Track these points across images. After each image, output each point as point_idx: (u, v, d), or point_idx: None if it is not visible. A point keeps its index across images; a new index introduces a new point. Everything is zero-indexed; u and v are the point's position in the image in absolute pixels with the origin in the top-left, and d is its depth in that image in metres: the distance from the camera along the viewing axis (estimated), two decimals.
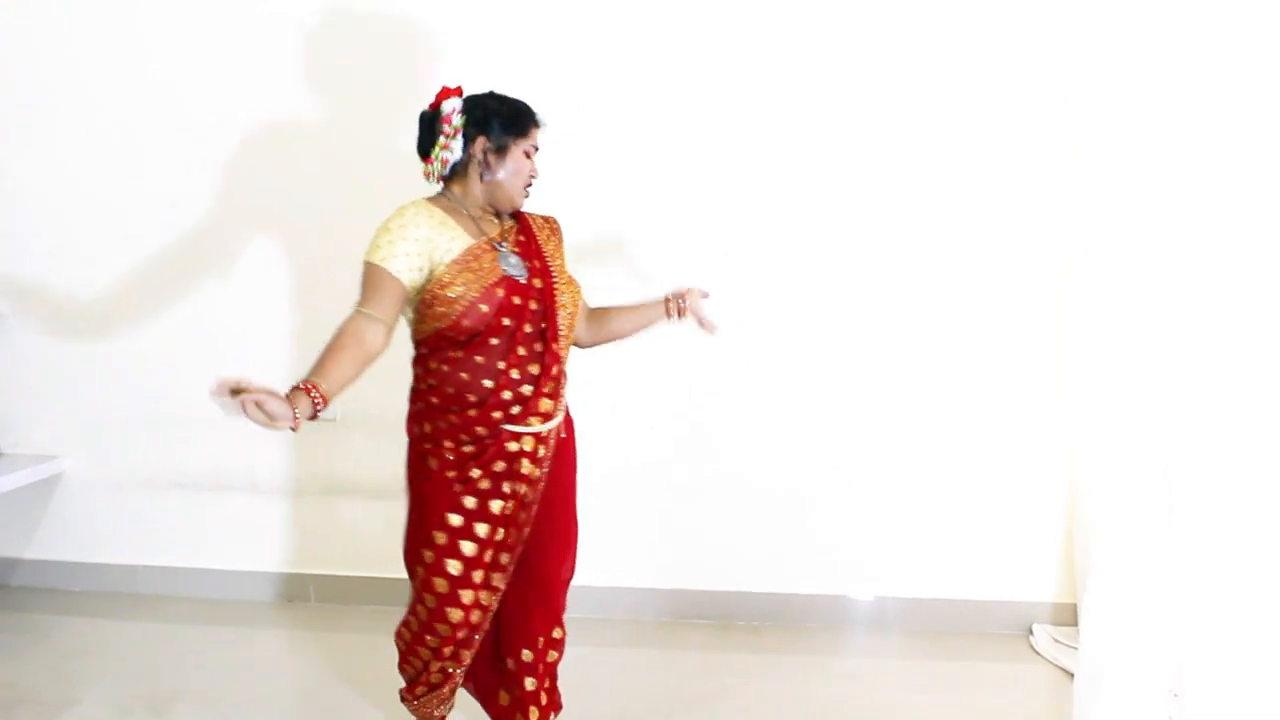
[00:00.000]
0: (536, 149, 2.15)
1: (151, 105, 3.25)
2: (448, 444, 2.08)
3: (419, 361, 2.14)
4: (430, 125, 2.11)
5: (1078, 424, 3.00)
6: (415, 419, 2.16)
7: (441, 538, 2.08)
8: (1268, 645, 2.19)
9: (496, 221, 2.15)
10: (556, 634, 2.26)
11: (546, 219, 2.25)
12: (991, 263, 3.04)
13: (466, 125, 2.08)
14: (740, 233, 3.09)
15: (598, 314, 2.34)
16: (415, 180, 3.20)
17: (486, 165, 2.09)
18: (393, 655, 3.02)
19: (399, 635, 2.26)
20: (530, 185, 2.15)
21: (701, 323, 2.32)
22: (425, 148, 2.12)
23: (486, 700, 2.37)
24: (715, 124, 3.05)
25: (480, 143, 2.09)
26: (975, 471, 3.11)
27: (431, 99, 2.14)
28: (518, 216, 2.19)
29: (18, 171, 3.35)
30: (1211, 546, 2.28)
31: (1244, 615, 2.22)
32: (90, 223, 3.34)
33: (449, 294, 1.99)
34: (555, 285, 2.09)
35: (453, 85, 2.12)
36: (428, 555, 2.10)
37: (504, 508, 2.09)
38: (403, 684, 2.33)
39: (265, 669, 2.96)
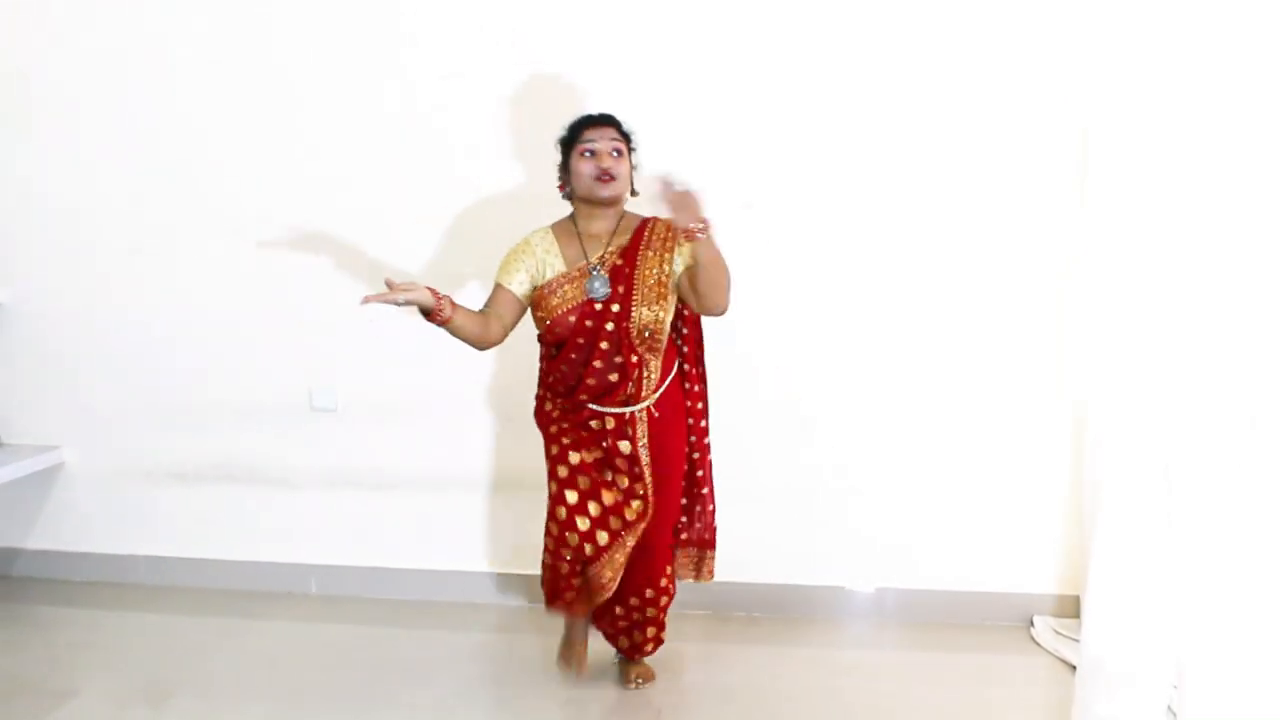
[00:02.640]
0: (598, 148, 2.38)
1: (153, 101, 3.24)
2: (553, 409, 2.57)
3: (541, 356, 2.62)
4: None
5: (1079, 416, 2.99)
6: (540, 385, 2.64)
7: (558, 480, 2.55)
8: (1268, 638, 2.18)
9: (604, 240, 2.46)
10: (649, 593, 2.67)
11: (669, 225, 2.41)
12: (992, 256, 3.02)
13: (560, 143, 2.49)
14: (740, 230, 3.07)
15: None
16: (414, 180, 3.20)
17: (567, 171, 2.47)
18: (394, 647, 3.05)
19: (543, 562, 2.65)
20: (602, 178, 2.38)
21: (671, 197, 2.20)
22: None
23: (610, 637, 2.81)
24: (716, 123, 3.04)
25: (562, 163, 2.49)
26: (976, 462, 3.09)
27: None
28: (639, 226, 2.48)
29: (19, 163, 3.35)
30: (1213, 540, 2.27)
31: (1245, 608, 2.21)
32: (91, 214, 3.34)
33: (547, 304, 2.44)
34: (632, 303, 2.41)
35: None
36: (551, 487, 2.57)
37: (603, 466, 2.53)
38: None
39: (265, 660, 2.96)
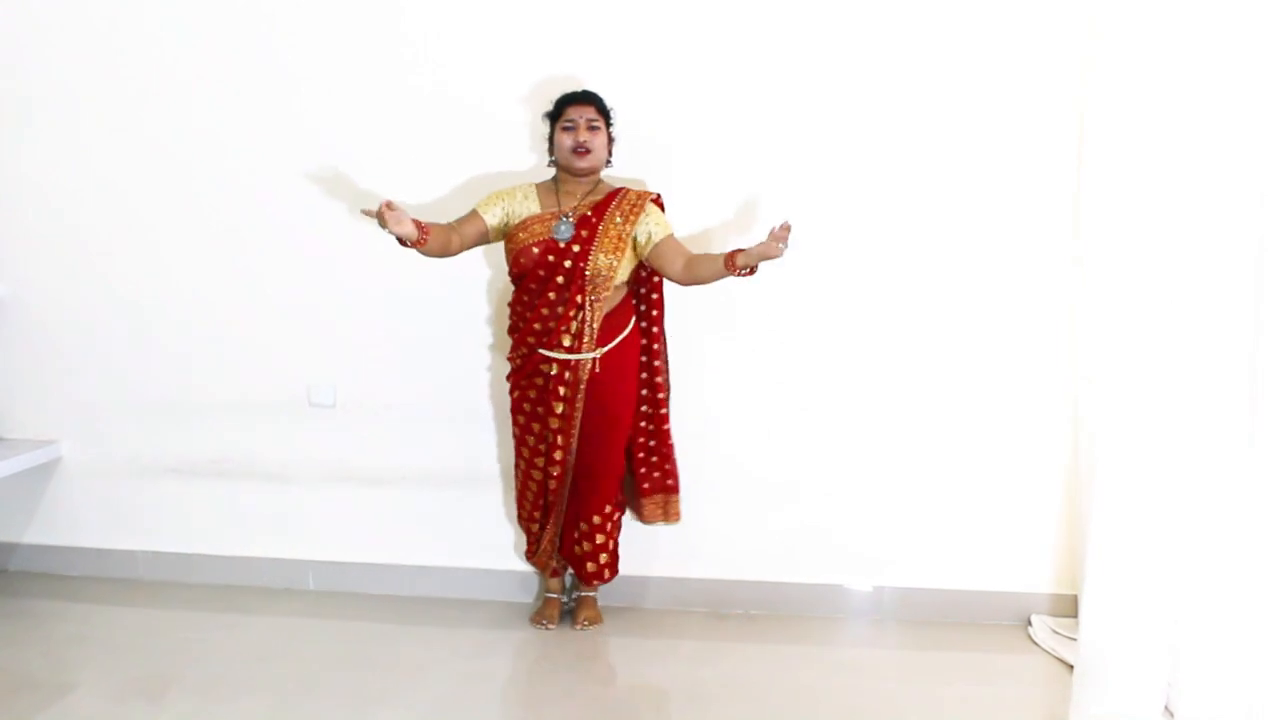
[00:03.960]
0: (576, 123, 2.73)
1: (152, 96, 3.24)
2: (510, 357, 2.91)
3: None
4: None
5: (1076, 415, 2.99)
6: (509, 352, 2.94)
7: (514, 431, 2.99)
8: (1264, 637, 2.18)
9: (576, 196, 2.80)
10: (595, 519, 2.99)
11: (640, 196, 2.80)
12: (992, 256, 3.02)
13: (546, 116, 2.86)
14: (741, 225, 3.07)
15: (690, 260, 2.76)
16: (415, 177, 3.20)
17: (551, 151, 2.83)
18: (392, 643, 3.05)
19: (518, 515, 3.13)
20: (578, 151, 2.73)
21: (768, 254, 2.55)
22: None
23: (570, 563, 3.13)
24: (717, 120, 3.04)
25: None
26: (974, 461, 3.10)
27: None
28: (611, 192, 2.81)
29: (18, 158, 3.34)
30: (1209, 539, 2.28)
31: (1241, 607, 2.22)
32: (89, 209, 3.33)
33: (513, 242, 2.79)
34: (591, 250, 2.72)
35: None
36: (515, 437, 2.99)
37: (543, 413, 2.86)
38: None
39: (262, 655, 2.96)
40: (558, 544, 3.06)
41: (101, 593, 3.40)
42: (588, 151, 2.73)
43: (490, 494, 3.30)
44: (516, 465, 3.02)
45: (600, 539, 3.00)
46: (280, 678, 2.82)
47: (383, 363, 3.28)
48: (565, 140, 2.74)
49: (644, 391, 3.01)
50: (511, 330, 2.87)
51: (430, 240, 2.64)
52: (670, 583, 3.23)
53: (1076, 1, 2.85)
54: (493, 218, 2.80)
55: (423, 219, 2.66)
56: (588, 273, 2.72)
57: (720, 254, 2.65)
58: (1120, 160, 2.51)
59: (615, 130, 2.84)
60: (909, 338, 3.08)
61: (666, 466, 3.08)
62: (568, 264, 2.72)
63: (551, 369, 2.79)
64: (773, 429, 3.15)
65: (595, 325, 2.76)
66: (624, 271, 2.80)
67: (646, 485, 3.09)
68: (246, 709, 2.64)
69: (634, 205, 2.78)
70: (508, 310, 2.91)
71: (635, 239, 2.78)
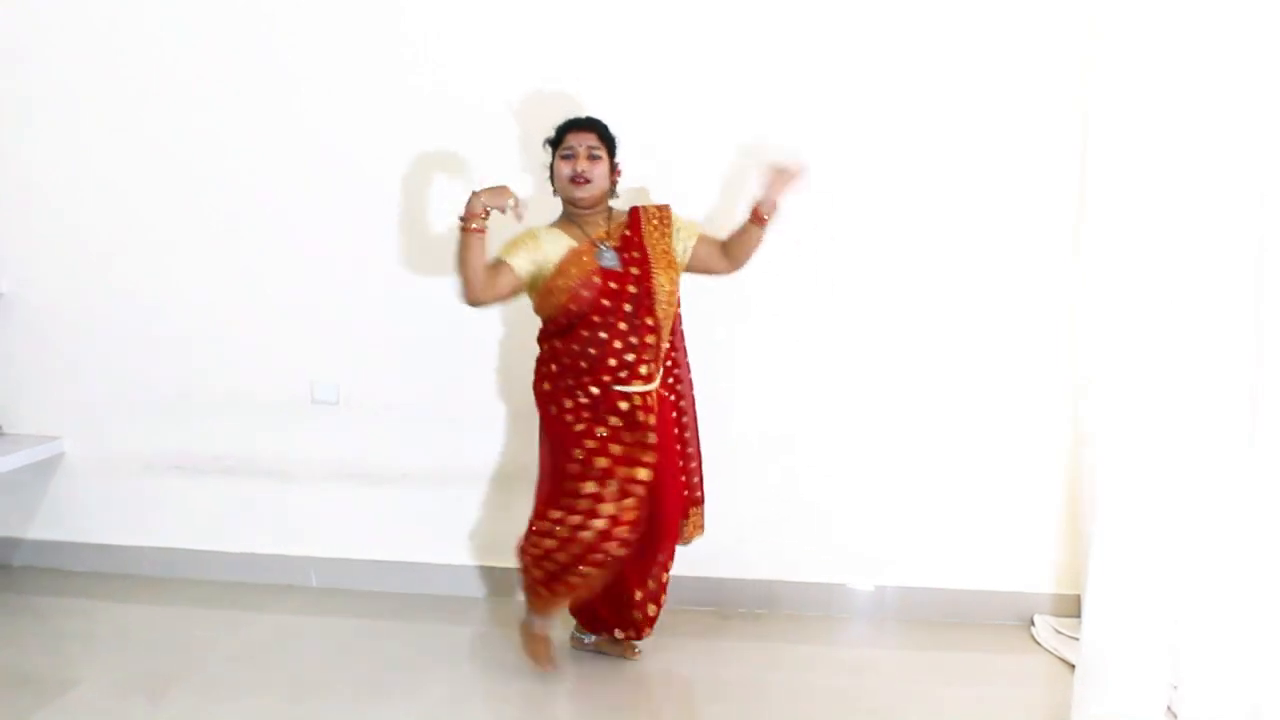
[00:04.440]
0: (575, 151, 2.53)
1: (154, 93, 3.24)
2: (566, 396, 2.58)
3: (542, 339, 2.65)
4: None
5: (1079, 414, 2.98)
6: (541, 379, 2.64)
7: (576, 464, 2.58)
8: (1267, 638, 2.18)
9: (603, 223, 2.61)
10: (666, 568, 2.86)
11: (659, 208, 2.66)
12: (993, 257, 3.01)
13: (547, 143, 2.64)
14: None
15: (726, 246, 2.68)
16: (409, 179, 3.20)
17: (550, 178, 2.63)
18: (394, 639, 3.04)
19: (534, 555, 2.67)
20: (576, 180, 2.53)
21: (781, 182, 2.56)
22: None
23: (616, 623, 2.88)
24: (718, 118, 3.03)
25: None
26: (976, 461, 3.09)
27: None
28: (631, 212, 2.63)
29: (23, 155, 3.34)
30: (1212, 539, 2.27)
31: (1244, 608, 2.21)
32: (92, 205, 3.34)
33: (559, 283, 2.51)
34: (652, 270, 2.56)
35: None
36: (571, 471, 2.58)
37: (619, 453, 2.55)
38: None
39: (265, 652, 2.96)
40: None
41: (104, 589, 3.40)
42: (586, 181, 2.53)
43: (491, 491, 3.30)
44: (564, 518, 2.56)
45: (664, 579, 2.85)
46: (282, 674, 2.82)
47: (385, 361, 3.28)
48: (564, 169, 2.55)
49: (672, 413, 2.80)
50: (572, 374, 2.56)
51: (480, 244, 2.44)
52: (673, 582, 3.21)
53: (1076, 1, 2.85)
54: (521, 265, 2.52)
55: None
56: (655, 292, 2.55)
57: (741, 224, 2.63)
58: (1121, 160, 2.50)
59: (620, 161, 2.65)
60: (910, 338, 3.08)
61: (696, 479, 2.90)
62: (633, 289, 2.54)
63: (634, 403, 2.55)
64: (775, 428, 3.14)
65: (664, 350, 2.62)
66: (678, 288, 2.66)
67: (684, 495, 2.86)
68: (248, 705, 2.64)
69: (661, 218, 2.64)
70: (547, 357, 2.62)
71: (675, 253, 2.64)
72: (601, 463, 2.53)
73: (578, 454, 2.55)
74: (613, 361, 2.52)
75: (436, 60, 3.10)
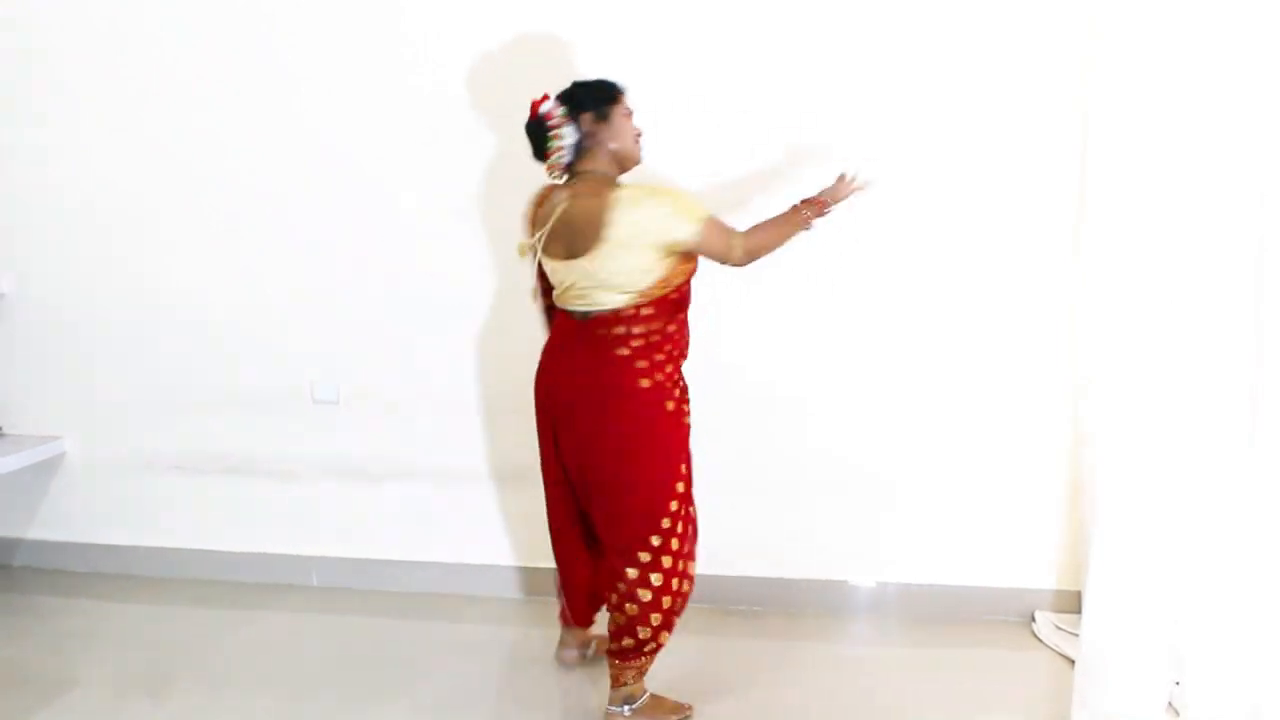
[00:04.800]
0: (630, 112, 2.44)
1: (156, 90, 3.24)
2: (669, 389, 2.42)
3: (641, 320, 2.36)
4: (536, 130, 2.41)
5: (1079, 410, 2.98)
6: (640, 375, 2.37)
7: (681, 486, 2.45)
8: (1269, 633, 2.18)
9: None
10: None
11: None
12: (995, 254, 3.01)
13: (569, 113, 2.38)
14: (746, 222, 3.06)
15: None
16: (416, 172, 3.19)
17: (597, 137, 2.39)
18: (395, 638, 3.04)
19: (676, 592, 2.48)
20: (639, 139, 2.45)
21: (844, 195, 2.46)
22: (540, 151, 2.42)
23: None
24: (719, 116, 3.03)
25: (587, 119, 2.38)
26: (977, 457, 3.09)
27: (526, 112, 2.43)
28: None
29: (23, 154, 3.34)
30: (1213, 534, 2.27)
31: (1245, 603, 2.21)
32: (93, 204, 3.34)
33: (689, 264, 2.40)
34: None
35: (536, 96, 2.43)
36: (680, 488, 2.44)
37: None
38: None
39: (266, 651, 2.96)
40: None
41: (105, 588, 3.40)
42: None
43: (493, 490, 3.30)
44: (684, 508, 2.47)
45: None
46: (283, 673, 2.82)
47: (386, 359, 3.28)
48: (633, 128, 2.44)
49: None
50: (677, 358, 2.46)
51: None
52: None
53: (1077, 1, 2.84)
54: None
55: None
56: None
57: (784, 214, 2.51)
58: (1120, 160, 2.50)
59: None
60: (911, 334, 3.07)
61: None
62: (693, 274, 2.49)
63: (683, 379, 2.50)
64: (775, 425, 3.14)
65: None
66: None
67: None
68: (250, 704, 2.64)
69: None
70: (646, 349, 2.39)
71: None
72: (686, 456, 2.49)
73: (683, 469, 2.45)
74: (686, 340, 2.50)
75: (436, 60, 3.10)
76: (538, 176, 2.55)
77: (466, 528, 3.33)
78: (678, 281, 2.36)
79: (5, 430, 3.50)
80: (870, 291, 3.07)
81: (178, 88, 3.22)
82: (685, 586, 2.48)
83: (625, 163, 2.43)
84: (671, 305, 2.38)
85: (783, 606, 3.20)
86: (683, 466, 2.45)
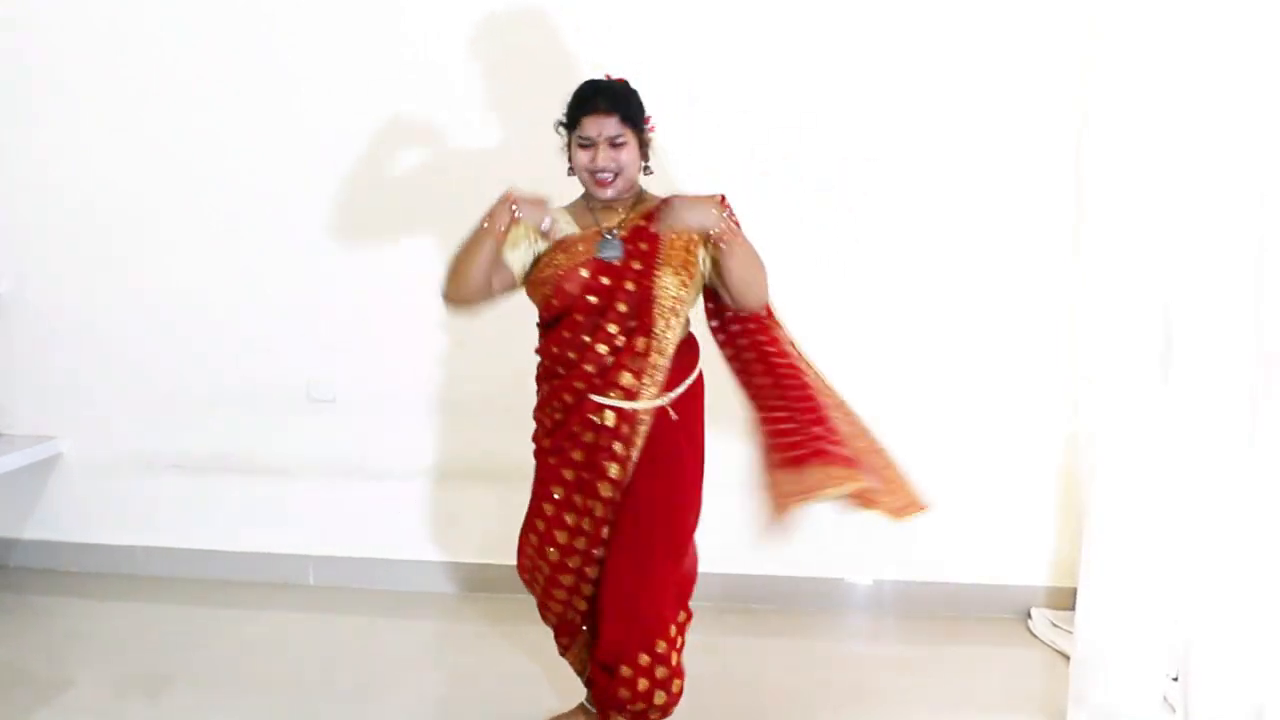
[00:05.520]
0: (594, 141, 2.10)
1: (153, 91, 3.23)
2: (545, 411, 2.27)
3: (539, 337, 2.29)
4: None
5: (1076, 409, 2.99)
6: (536, 387, 2.32)
7: (550, 509, 2.29)
8: (1266, 628, 2.18)
9: (622, 210, 2.20)
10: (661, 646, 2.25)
11: (708, 199, 2.17)
12: (991, 253, 3.02)
13: (559, 124, 2.21)
14: (743, 222, 3.07)
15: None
16: (409, 178, 3.19)
17: (568, 160, 2.20)
18: (392, 637, 3.05)
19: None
20: (598, 177, 2.12)
21: (675, 202, 2.13)
22: None
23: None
24: (715, 118, 3.04)
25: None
26: (972, 455, 3.09)
27: None
28: (663, 200, 2.18)
29: (21, 154, 3.34)
30: (1208, 530, 2.27)
31: (1241, 598, 2.22)
32: (90, 205, 3.33)
33: (543, 274, 2.16)
34: (656, 269, 2.12)
35: None
36: (539, 525, 2.32)
37: (588, 479, 2.21)
38: None
39: (263, 651, 2.96)
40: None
41: (101, 588, 3.40)
42: (611, 177, 2.12)
43: (490, 489, 3.29)
44: (541, 555, 2.34)
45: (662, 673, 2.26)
46: (280, 673, 2.82)
47: (382, 358, 3.28)
48: (583, 158, 2.13)
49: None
50: (548, 377, 2.24)
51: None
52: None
53: (1077, 1, 2.85)
54: (517, 260, 2.20)
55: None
56: (655, 294, 2.11)
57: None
58: (1120, 160, 2.50)
59: (651, 120, 2.22)
60: (907, 333, 3.08)
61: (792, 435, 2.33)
62: (630, 285, 2.12)
63: (606, 419, 2.15)
64: None
65: (662, 367, 2.16)
66: (692, 304, 2.23)
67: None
68: (246, 704, 2.64)
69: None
70: (539, 354, 2.29)
71: (696, 257, 2.17)
72: (558, 495, 2.28)
73: (554, 491, 2.28)
74: (590, 367, 2.13)
75: (436, 60, 3.10)
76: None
77: (463, 526, 3.33)
78: (546, 290, 2.16)
79: (1, 430, 3.50)
80: (868, 290, 3.08)
81: (175, 88, 3.22)
82: (559, 596, 2.36)
83: (591, 193, 2.19)
84: (544, 322, 2.24)
85: (780, 604, 3.20)
86: (543, 508, 2.31)
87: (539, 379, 2.30)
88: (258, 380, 3.34)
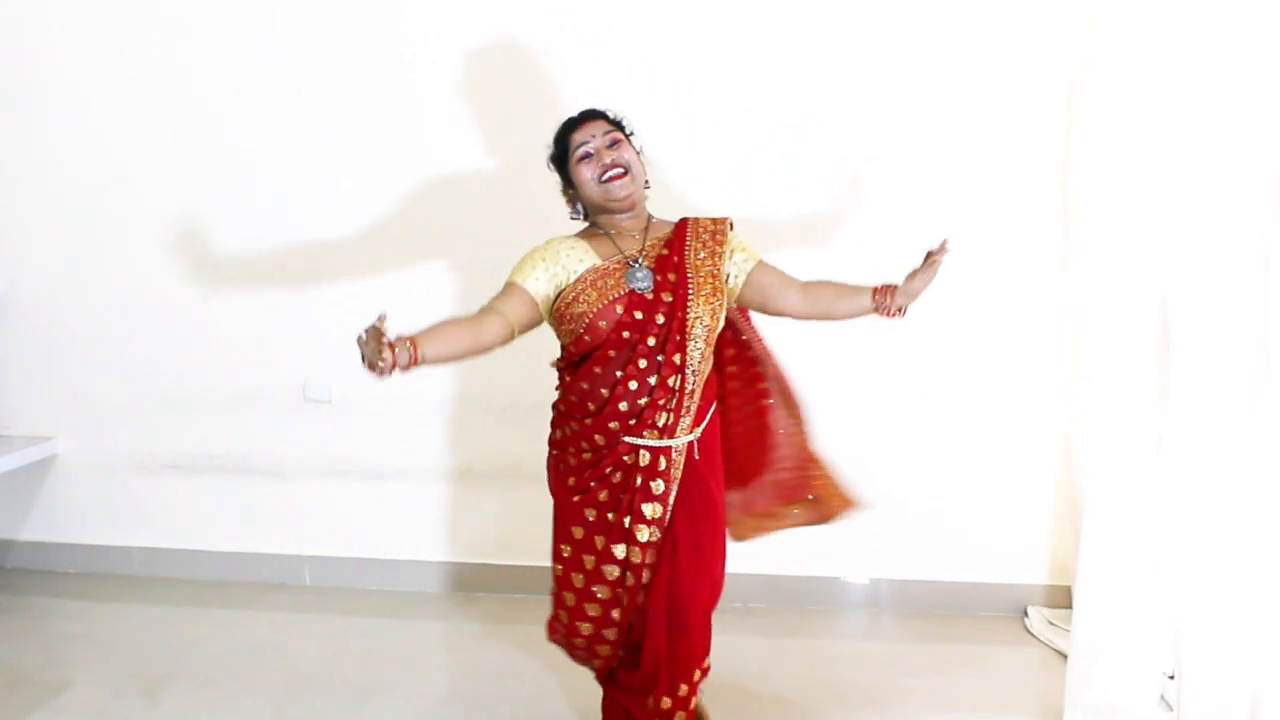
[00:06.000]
0: (590, 148, 2.09)
1: (152, 92, 3.23)
2: (571, 450, 2.16)
3: (560, 372, 2.22)
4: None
5: (1073, 407, 2.99)
6: (552, 425, 2.24)
7: (567, 550, 2.19)
8: (1261, 626, 2.19)
9: (639, 237, 2.15)
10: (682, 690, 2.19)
11: (714, 221, 2.20)
12: (988, 252, 3.01)
13: (551, 161, 2.20)
14: (739, 224, 3.06)
15: (810, 289, 2.31)
16: (408, 179, 3.19)
17: (571, 187, 2.17)
18: (388, 637, 3.04)
19: (551, 630, 2.32)
20: (607, 176, 2.08)
21: (930, 274, 2.20)
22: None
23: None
24: (711, 120, 3.04)
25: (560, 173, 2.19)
26: (969, 454, 3.10)
27: None
28: (677, 225, 2.17)
29: (16, 154, 3.34)
30: (1203, 529, 2.27)
31: (1237, 596, 2.22)
32: (88, 206, 3.33)
33: (574, 310, 2.06)
34: (689, 299, 2.08)
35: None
36: (557, 569, 2.22)
37: (615, 520, 2.13)
38: None
39: (259, 651, 2.96)
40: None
41: (98, 589, 3.40)
42: (624, 170, 2.08)
43: (486, 490, 3.30)
44: (562, 601, 2.23)
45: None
46: (276, 673, 2.82)
47: None
48: (587, 172, 2.09)
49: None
50: (576, 416, 2.12)
51: (430, 350, 1.98)
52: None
53: (1076, 1, 2.85)
54: (536, 285, 2.07)
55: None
56: (689, 326, 2.06)
57: (861, 286, 2.25)
58: (1121, 160, 2.50)
59: (637, 142, 2.20)
60: (904, 334, 3.06)
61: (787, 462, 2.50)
62: (660, 319, 2.05)
63: (642, 459, 2.08)
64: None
65: (696, 402, 2.11)
66: (721, 323, 2.17)
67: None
68: (243, 704, 2.64)
69: (714, 233, 2.16)
70: (558, 386, 2.21)
71: (724, 277, 2.16)
72: (599, 543, 2.14)
73: (575, 532, 2.16)
74: (624, 405, 2.06)
75: (437, 61, 3.10)
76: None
77: (459, 527, 3.33)
78: (575, 330, 2.08)
79: None
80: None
81: (176, 88, 3.22)
82: (584, 630, 2.23)
83: (602, 208, 2.14)
84: (570, 358, 2.16)
85: (777, 603, 3.21)
86: (564, 547, 2.19)
87: (563, 417, 2.18)
88: (254, 381, 3.34)
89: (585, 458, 2.13)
